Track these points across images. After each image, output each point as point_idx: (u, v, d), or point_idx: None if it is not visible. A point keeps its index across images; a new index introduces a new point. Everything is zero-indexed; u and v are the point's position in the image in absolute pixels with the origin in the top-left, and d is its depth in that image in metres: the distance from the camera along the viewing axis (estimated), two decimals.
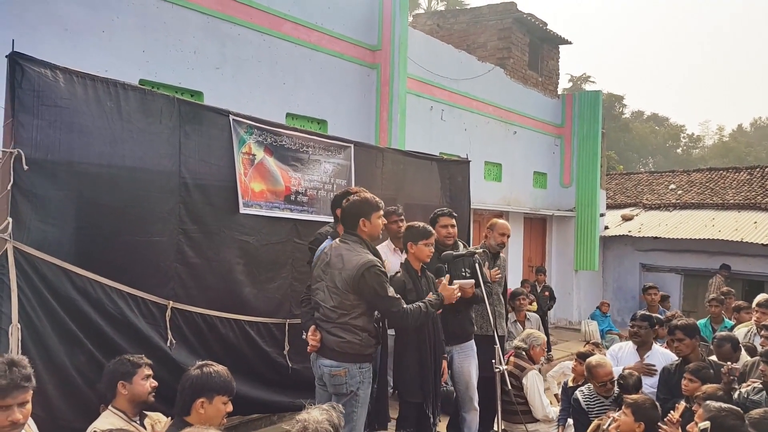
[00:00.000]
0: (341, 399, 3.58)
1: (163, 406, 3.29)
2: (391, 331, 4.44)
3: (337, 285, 3.61)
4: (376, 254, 3.73)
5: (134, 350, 3.52)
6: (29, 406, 2.41)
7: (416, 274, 4.26)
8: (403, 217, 4.93)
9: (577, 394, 4.73)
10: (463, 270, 4.66)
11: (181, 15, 6.15)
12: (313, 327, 3.78)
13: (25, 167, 3.26)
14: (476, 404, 4.72)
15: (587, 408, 4.60)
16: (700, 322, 6.86)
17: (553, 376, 6.44)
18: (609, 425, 3.85)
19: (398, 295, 3.67)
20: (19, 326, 3.19)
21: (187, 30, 6.22)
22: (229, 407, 2.82)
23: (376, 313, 3.82)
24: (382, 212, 3.84)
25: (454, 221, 4.84)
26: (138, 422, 3.15)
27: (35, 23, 5.05)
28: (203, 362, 2.86)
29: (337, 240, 3.79)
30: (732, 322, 6.83)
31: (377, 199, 3.83)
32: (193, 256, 4.24)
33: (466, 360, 4.69)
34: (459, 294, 4.05)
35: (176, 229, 4.13)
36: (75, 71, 3.58)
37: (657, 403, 3.89)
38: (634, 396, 3.98)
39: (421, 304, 3.77)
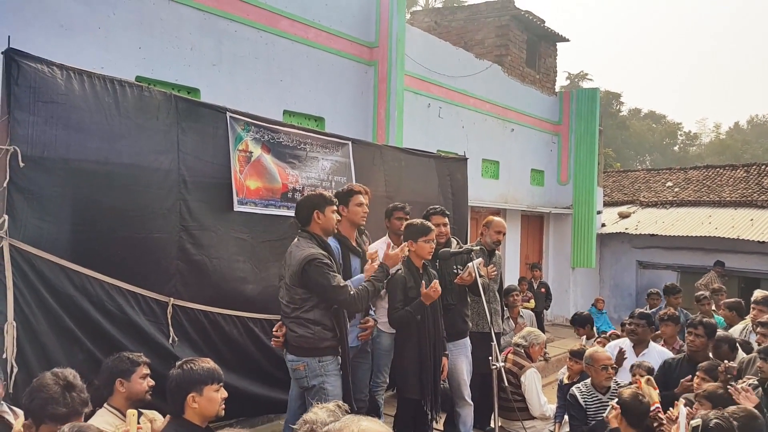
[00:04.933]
0: (308, 393, 3.68)
1: (165, 404, 3.28)
2: (390, 329, 4.44)
3: (287, 281, 3.73)
4: (326, 249, 3.80)
5: (135, 348, 3.52)
6: None
7: (417, 271, 4.27)
8: (408, 215, 4.85)
9: (574, 390, 4.73)
10: (455, 267, 4.67)
11: (177, 11, 6.13)
12: (279, 323, 3.94)
13: (21, 164, 3.25)
14: (470, 400, 4.73)
15: (585, 404, 4.61)
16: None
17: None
18: (608, 414, 3.86)
19: (344, 283, 3.70)
20: (14, 324, 3.18)
21: (184, 26, 6.19)
22: (223, 393, 2.81)
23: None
24: (335, 207, 3.94)
25: (446, 220, 4.84)
26: None
27: (30, 20, 5.02)
28: (183, 360, 2.85)
29: (296, 238, 3.88)
30: (721, 319, 6.84)
31: (331, 195, 3.97)
32: (195, 253, 4.23)
33: (459, 357, 4.70)
34: (437, 290, 4.12)
35: (177, 226, 4.12)
36: (71, 67, 3.57)
37: (640, 396, 3.88)
38: (625, 390, 4.01)
39: (366, 283, 3.82)
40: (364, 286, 3.78)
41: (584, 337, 7.14)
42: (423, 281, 4.23)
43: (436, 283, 4.16)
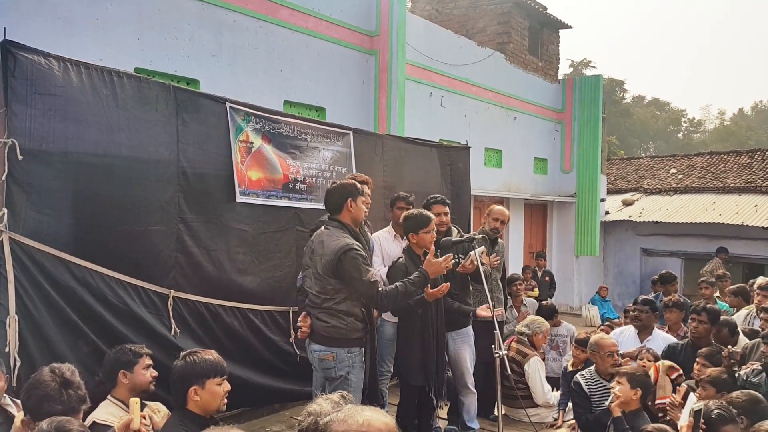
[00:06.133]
0: (333, 383, 3.64)
1: (169, 395, 3.28)
2: (392, 318, 4.44)
3: (319, 271, 3.67)
4: (358, 239, 3.76)
5: (138, 340, 3.52)
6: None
7: (419, 259, 4.26)
8: (411, 205, 4.80)
9: (578, 377, 4.72)
10: (457, 256, 4.65)
11: (176, 2, 6.09)
12: (304, 313, 3.87)
13: (20, 157, 3.24)
14: (473, 388, 4.73)
15: (589, 392, 4.60)
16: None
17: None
18: (611, 401, 3.88)
19: (375, 279, 3.66)
20: (16, 317, 3.19)
21: (183, 17, 6.15)
22: (226, 386, 2.79)
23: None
24: (365, 198, 3.93)
25: (447, 209, 4.82)
26: None
27: (27, 12, 5.00)
28: (187, 351, 2.83)
29: (322, 227, 3.82)
30: (726, 304, 6.80)
31: (361, 185, 3.93)
32: (193, 245, 4.22)
33: (462, 346, 4.70)
34: (449, 265, 3.85)
35: (176, 218, 4.11)
36: (69, 59, 3.55)
37: (648, 372, 3.95)
38: (625, 367, 4.05)
39: (398, 284, 3.70)
40: (395, 286, 3.69)
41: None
42: None
43: (445, 285, 4.15)
